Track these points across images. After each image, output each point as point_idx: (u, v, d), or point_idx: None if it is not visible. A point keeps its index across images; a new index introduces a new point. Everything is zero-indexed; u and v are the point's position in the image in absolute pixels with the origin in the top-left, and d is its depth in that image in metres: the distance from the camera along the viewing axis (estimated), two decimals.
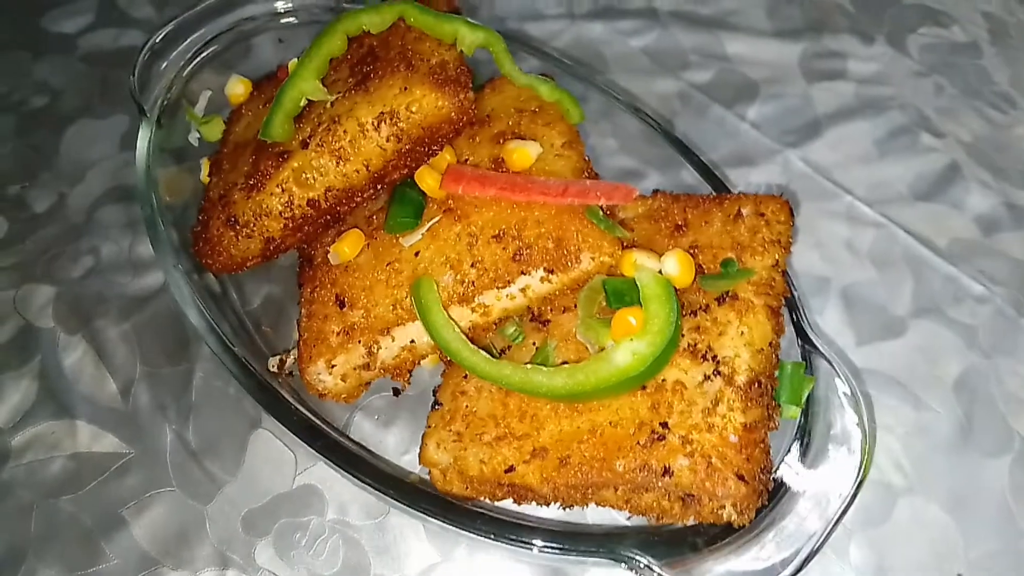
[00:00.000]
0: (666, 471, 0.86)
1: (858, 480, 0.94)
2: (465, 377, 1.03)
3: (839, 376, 0.99)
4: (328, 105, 1.04)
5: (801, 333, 1.03)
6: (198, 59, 1.30)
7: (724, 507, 0.87)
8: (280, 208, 1.03)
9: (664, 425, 0.89)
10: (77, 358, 1.22)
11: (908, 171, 1.45)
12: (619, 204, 0.98)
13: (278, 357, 1.12)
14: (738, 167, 1.44)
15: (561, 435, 0.93)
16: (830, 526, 0.91)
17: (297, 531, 1.10)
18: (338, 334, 1.00)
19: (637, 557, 0.90)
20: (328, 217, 1.07)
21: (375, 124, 0.99)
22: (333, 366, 1.02)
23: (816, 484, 0.94)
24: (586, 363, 0.92)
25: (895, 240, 1.36)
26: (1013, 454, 1.16)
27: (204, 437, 1.17)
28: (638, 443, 0.89)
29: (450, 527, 0.94)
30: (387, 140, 1.00)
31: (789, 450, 0.96)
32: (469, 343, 0.96)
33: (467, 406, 1.01)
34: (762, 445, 0.88)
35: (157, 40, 1.24)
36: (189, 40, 1.30)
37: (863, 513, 1.12)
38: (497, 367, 0.94)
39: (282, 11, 1.35)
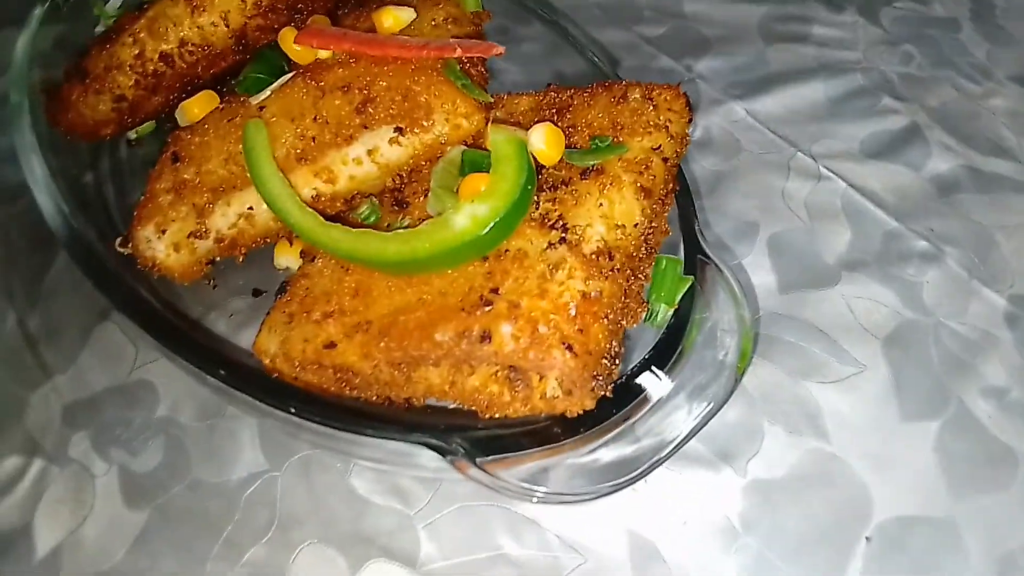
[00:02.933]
0: (485, 337, 0.74)
1: (729, 389, 0.81)
2: (312, 260, 0.93)
3: (726, 280, 0.87)
4: None
5: (689, 237, 0.91)
6: None
7: (550, 386, 0.74)
8: (130, 60, 0.95)
9: (494, 291, 0.77)
10: None
11: (862, 130, 1.33)
12: (481, 56, 0.88)
13: (123, 236, 1.03)
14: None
15: (389, 309, 0.82)
16: (679, 439, 0.78)
17: (120, 426, 0.99)
18: (169, 192, 0.91)
19: (459, 447, 0.77)
20: (188, 80, 0.99)
21: None
22: (163, 231, 0.92)
23: (678, 393, 0.81)
24: (422, 227, 0.81)
25: (836, 192, 1.23)
26: (945, 417, 1.01)
27: (47, 324, 1.07)
28: (462, 310, 0.77)
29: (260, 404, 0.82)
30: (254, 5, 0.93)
31: (652, 353, 0.83)
32: (298, 200, 0.86)
33: (307, 288, 0.90)
34: (605, 323, 0.75)
35: None
36: None
37: (761, 463, 0.97)
38: (326, 229, 0.84)
39: None
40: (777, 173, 1.26)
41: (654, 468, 0.76)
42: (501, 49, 0.87)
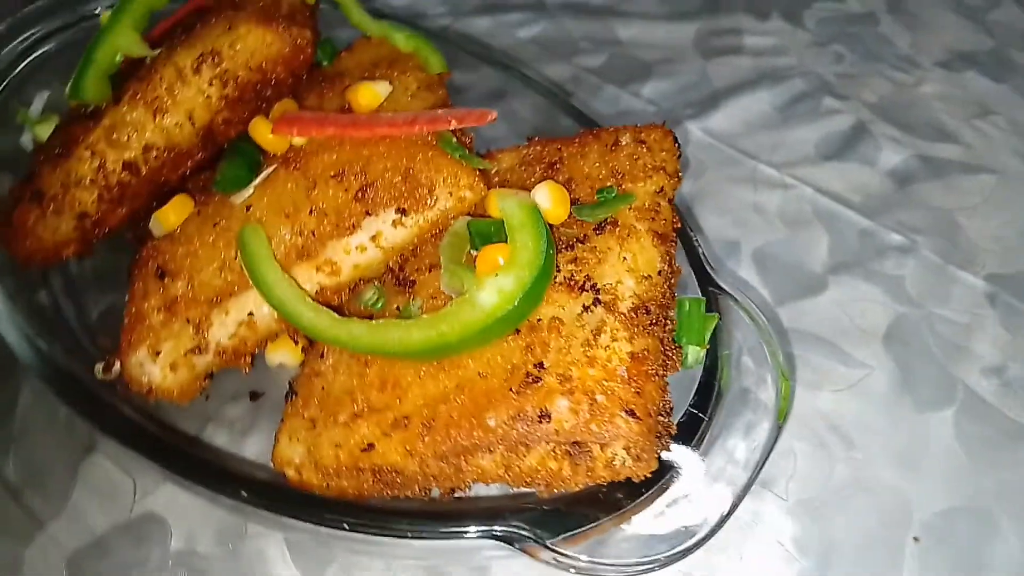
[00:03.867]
0: (543, 416, 0.71)
1: (777, 429, 0.81)
2: (322, 356, 0.88)
3: (746, 312, 0.87)
4: (147, 60, 0.92)
5: (700, 272, 0.91)
6: (32, 58, 1.17)
7: (617, 455, 0.72)
8: (91, 175, 0.89)
9: (539, 366, 0.74)
10: None
11: (813, 133, 1.37)
12: (475, 126, 0.85)
13: (104, 361, 0.96)
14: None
15: (426, 399, 0.78)
16: (748, 480, 0.77)
17: (134, 569, 0.91)
18: (160, 311, 0.85)
19: (523, 532, 0.74)
20: (155, 186, 0.92)
21: (195, 67, 0.87)
22: (158, 353, 0.86)
23: (729, 436, 0.81)
24: (447, 309, 0.78)
25: (804, 199, 1.27)
26: (957, 404, 1.04)
27: (27, 469, 0.98)
28: (511, 390, 0.74)
29: (288, 518, 0.77)
30: (209, 84, 0.88)
31: (694, 397, 0.82)
32: (310, 299, 0.81)
33: (322, 387, 0.86)
34: (655, 379, 0.74)
35: None
36: (22, 39, 1.18)
37: (800, 483, 0.97)
38: (345, 326, 0.80)
39: None
40: (745, 187, 1.29)
41: (723, 523, 0.75)
42: (494, 114, 0.85)
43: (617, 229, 0.83)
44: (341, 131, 0.85)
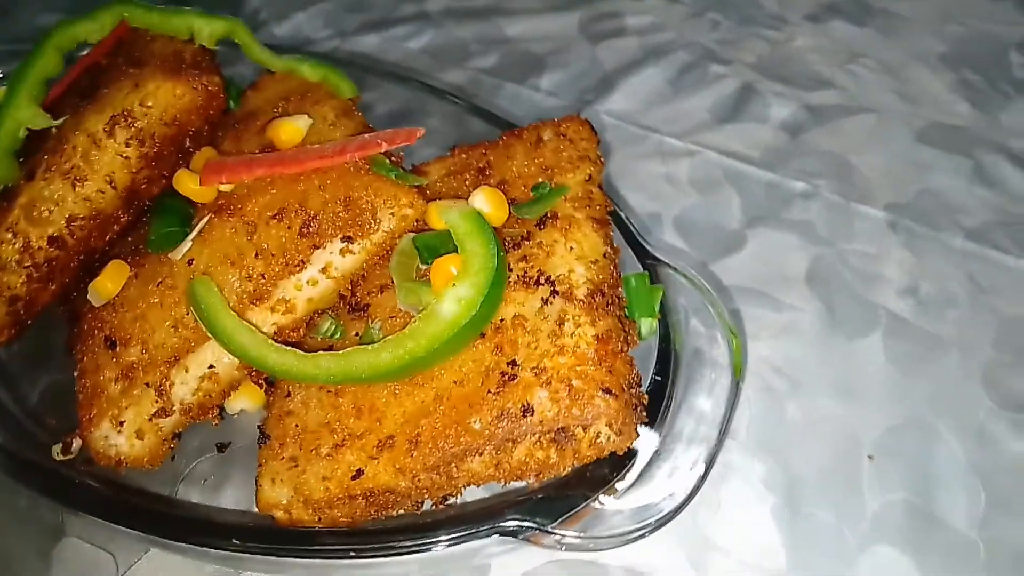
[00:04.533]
0: (527, 410, 0.75)
1: (736, 384, 0.86)
2: (288, 395, 0.88)
3: (686, 278, 0.92)
4: (53, 131, 0.90)
5: (636, 247, 0.96)
6: None
7: (600, 433, 0.76)
8: (16, 256, 0.86)
9: (512, 364, 0.77)
10: None
11: (705, 100, 1.45)
12: (404, 145, 0.87)
13: (60, 443, 0.93)
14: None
15: (406, 417, 0.80)
16: (718, 437, 0.82)
17: None
18: (117, 381, 0.83)
19: (525, 524, 0.77)
20: (83, 257, 0.90)
21: (108, 130, 0.85)
22: (122, 423, 0.84)
23: (693, 397, 0.86)
24: (411, 327, 0.80)
25: (710, 163, 1.34)
26: (881, 327, 1.13)
27: None
28: (489, 392, 0.76)
29: (297, 559, 0.78)
30: (126, 146, 0.86)
31: (656, 366, 0.87)
32: (272, 342, 0.81)
33: (295, 425, 0.86)
34: (623, 356, 0.78)
35: None
36: None
37: (756, 426, 1.04)
38: (312, 360, 0.80)
39: None
40: (654, 161, 1.35)
41: (704, 480, 0.80)
42: (421, 131, 0.87)
43: (558, 221, 0.86)
44: (271, 170, 0.85)
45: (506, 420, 0.75)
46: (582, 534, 0.79)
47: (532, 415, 0.75)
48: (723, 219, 1.26)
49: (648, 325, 0.90)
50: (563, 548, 0.78)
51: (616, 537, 0.79)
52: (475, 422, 0.77)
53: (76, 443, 0.92)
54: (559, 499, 0.80)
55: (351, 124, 0.93)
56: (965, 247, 1.22)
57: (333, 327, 0.89)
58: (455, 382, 0.79)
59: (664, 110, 1.43)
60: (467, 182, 0.95)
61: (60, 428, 0.99)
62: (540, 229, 0.87)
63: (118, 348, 0.84)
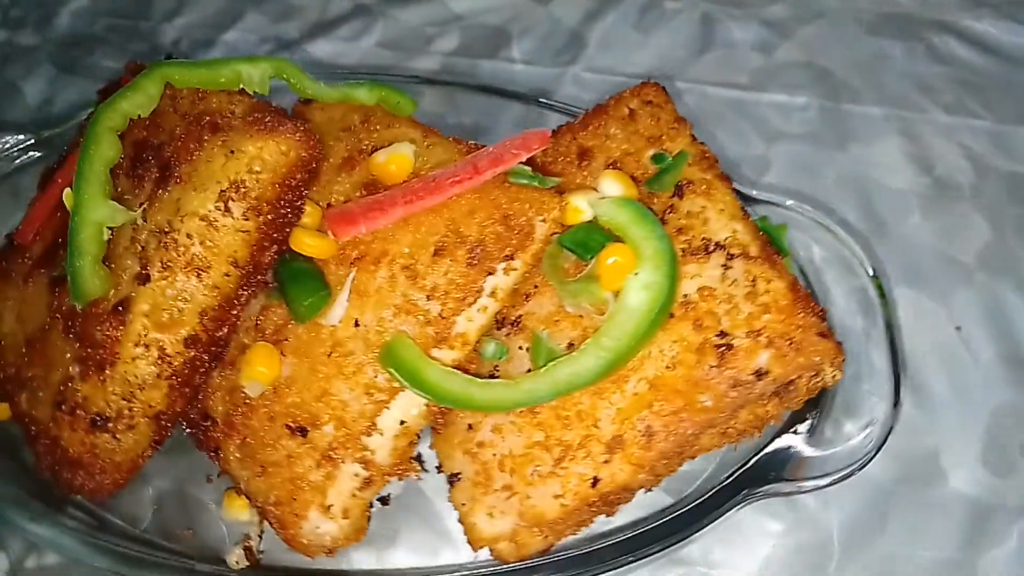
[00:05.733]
0: (759, 373, 0.77)
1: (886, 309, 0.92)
2: (470, 428, 0.86)
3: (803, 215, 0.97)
4: (138, 223, 0.80)
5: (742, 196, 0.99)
6: None
7: (824, 373, 0.80)
8: (155, 369, 0.77)
9: (722, 335, 0.79)
10: None
11: (675, 37, 1.47)
12: (538, 152, 0.85)
13: (237, 547, 0.86)
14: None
15: (623, 414, 0.80)
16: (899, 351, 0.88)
17: None
18: (319, 466, 0.77)
19: (766, 489, 0.81)
20: (209, 353, 0.82)
21: (222, 207, 0.77)
22: (330, 507, 0.79)
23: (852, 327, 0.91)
24: (604, 326, 0.80)
25: (708, 97, 1.38)
26: (917, 210, 1.24)
27: None
28: (711, 367, 0.78)
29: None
30: (245, 219, 0.78)
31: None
32: (475, 379, 0.79)
33: (495, 455, 0.84)
34: (808, 296, 0.82)
35: None
36: None
37: None
38: (517, 388, 0.79)
39: None
40: None
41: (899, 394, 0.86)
42: (549, 132, 0.85)
43: (694, 186, 0.87)
44: (410, 207, 0.81)
45: (740, 388, 0.77)
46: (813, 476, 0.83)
47: (765, 376, 0.77)
48: (743, 148, 1.31)
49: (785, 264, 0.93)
50: (804, 490, 0.82)
51: (851, 466, 0.84)
52: (705, 399, 0.78)
53: (256, 544, 0.85)
54: (780, 451, 0.84)
55: (443, 140, 0.89)
56: (951, 122, 1.34)
57: (497, 348, 0.87)
58: (667, 367, 0.80)
59: (641, 55, 1.45)
60: (570, 169, 0.94)
61: (193, 540, 0.93)
62: (680, 199, 0.88)
63: (309, 433, 0.78)
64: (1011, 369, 1.07)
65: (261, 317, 0.84)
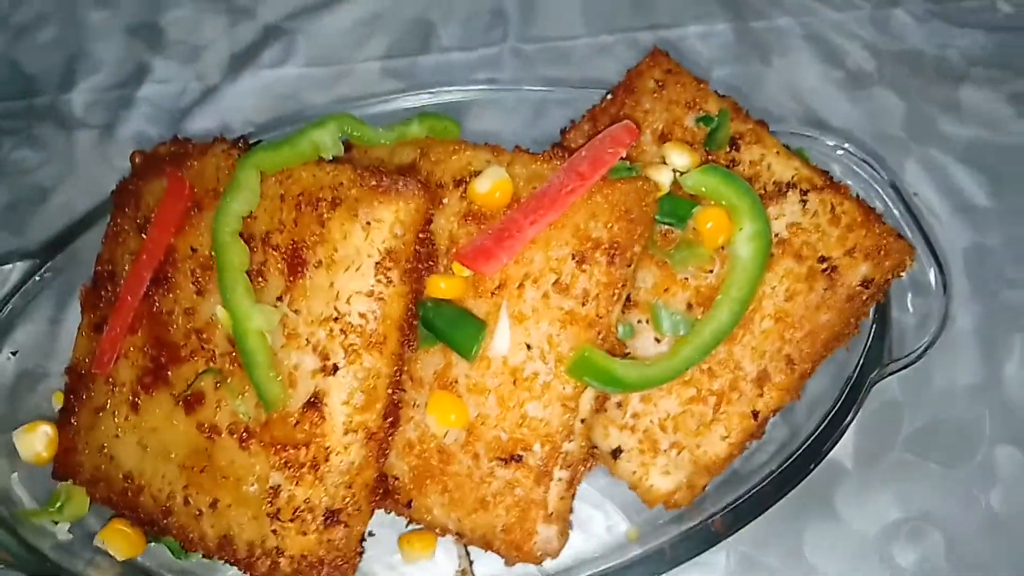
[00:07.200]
0: (865, 283, 0.91)
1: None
2: (619, 406, 0.94)
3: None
4: (290, 315, 0.79)
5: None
6: None
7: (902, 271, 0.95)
8: (365, 450, 0.79)
9: (822, 259, 0.91)
10: None
11: None
12: (632, 144, 0.92)
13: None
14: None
15: (758, 351, 0.92)
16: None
17: None
18: (537, 483, 0.83)
19: (880, 372, 0.95)
20: (395, 416, 0.84)
21: (384, 279, 0.78)
22: (551, 515, 0.85)
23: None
24: (728, 280, 0.90)
25: (673, 39, 1.48)
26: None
27: None
28: (825, 289, 0.91)
29: None
30: (403, 283, 0.80)
31: None
32: (646, 363, 0.88)
33: (653, 421, 0.93)
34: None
35: None
36: None
37: None
38: (685, 350, 0.89)
39: None
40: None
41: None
42: (632, 123, 0.92)
43: (746, 137, 0.98)
44: (537, 227, 0.85)
45: (852, 300, 0.91)
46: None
47: (871, 284, 0.91)
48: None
49: None
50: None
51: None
52: (827, 317, 0.91)
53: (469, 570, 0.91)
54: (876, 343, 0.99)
55: (523, 154, 0.93)
56: (840, 18, 1.52)
57: (626, 329, 0.94)
58: (785, 300, 0.92)
59: (567, 17, 1.51)
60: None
61: None
62: (737, 151, 0.98)
63: (524, 458, 0.83)
64: (967, 217, 1.29)
65: (409, 365, 0.86)
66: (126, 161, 1.30)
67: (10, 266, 1.00)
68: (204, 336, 0.84)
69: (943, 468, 1.07)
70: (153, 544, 0.91)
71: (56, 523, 0.89)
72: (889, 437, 1.09)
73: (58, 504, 0.89)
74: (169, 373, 0.86)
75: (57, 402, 0.97)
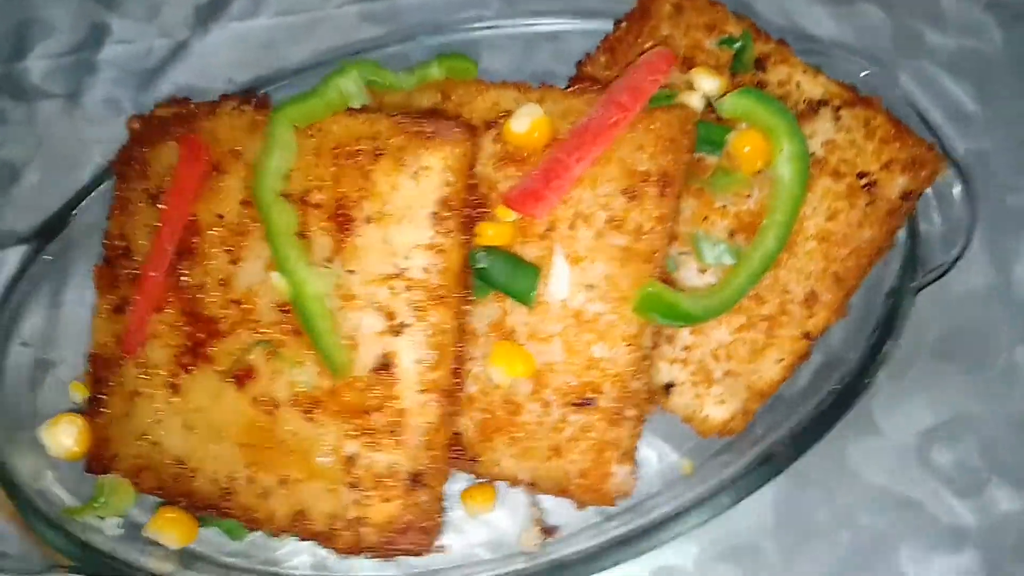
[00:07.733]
0: (905, 196, 0.91)
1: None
2: (669, 340, 0.93)
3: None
4: (343, 277, 0.75)
5: None
6: None
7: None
8: (440, 408, 0.76)
9: (862, 175, 0.91)
10: None
11: None
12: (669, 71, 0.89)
13: (527, 531, 0.90)
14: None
15: (805, 272, 0.92)
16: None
17: None
18: (612, 424, 0.82)
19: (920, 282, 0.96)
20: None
21: (442, 230, 0.75)
22: (624, 454, 0.84)
23: None
24: (772, 204, 0.89)
25: None
26: None
27: None
28: (867, 205, 0.91)
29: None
30: (461, 232, 0.77)
31: None
32: (705, 294, 0.87)
33: (705, 352, 0.93)
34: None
35: None
36: None
37: None
38: (736, 279, 0.88)
39: None
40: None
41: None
42: (669, 51, 0.89)
43: (772, 57, 0.96)
44: (584, 164, 0.82)
45: (894, 214, 0.91)
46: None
47: (911, 196, 0.91)
48: None
49: None
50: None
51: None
52: (868, 234, 0.91)
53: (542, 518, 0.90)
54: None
55: (554, 90, 0.89)
56: None
57: (670, 261, 0.93)
58: (827, 219, 0.92)
59: None
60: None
61: None
62: (764, 72, 0.96)
63: (596, 400, 0.81)
64: (961, 126, 1.31)
65: (468, 322, 0.83)
66: (97, 130, 1.24)
67: (4, 251, 0.93)
68: (245, 307, 0.79)
69: (968, 373, 1.10)
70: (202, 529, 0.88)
71: (102, 519, 0.84)
72: (914, 347, 1.11)
73: (102, 498, 0.83)
74: (209, 349, 0.81)
75: (76, 392, 0.92)
